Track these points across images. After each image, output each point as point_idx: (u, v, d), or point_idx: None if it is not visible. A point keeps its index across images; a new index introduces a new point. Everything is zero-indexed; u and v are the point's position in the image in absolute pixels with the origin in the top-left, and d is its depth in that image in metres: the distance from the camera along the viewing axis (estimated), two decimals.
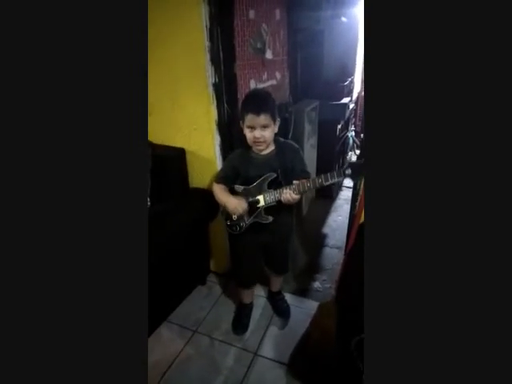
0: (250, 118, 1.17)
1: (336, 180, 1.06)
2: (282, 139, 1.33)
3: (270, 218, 1.27)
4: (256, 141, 1.21)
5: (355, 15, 2.88)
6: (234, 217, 1.33)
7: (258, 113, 1.15)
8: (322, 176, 1.08)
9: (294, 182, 1.14)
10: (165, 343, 1.54)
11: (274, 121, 1.21)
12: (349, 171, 1.03)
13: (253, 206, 1.27)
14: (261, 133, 1.19)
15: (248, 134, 1.21)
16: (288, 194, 1.13)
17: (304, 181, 1.12)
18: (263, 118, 1.16)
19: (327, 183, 1.08)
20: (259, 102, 1.19)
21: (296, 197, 1.13)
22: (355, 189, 1.58)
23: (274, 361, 1.45)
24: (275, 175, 1.23)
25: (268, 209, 1.27)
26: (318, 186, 1.10)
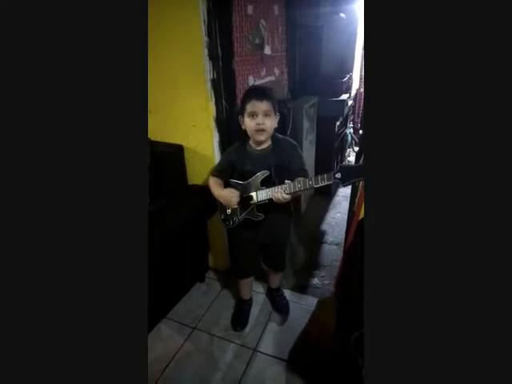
0: (252, 105, 1.18)
1: (326, 183, 1.06)
2: (280, 136, 1.32)
3: (262, 216, 1.27)
4: (258, 128, 1.20)
5: (354, 11, 2.87)
6: (228, 211, 1.34)
7: (260, 98, 1.17)
8: (313, 178, 1.08)
9: (286, 181, 1.14)
10: (164, 340, 1.54)
11: (275, 112, 1.22)
12: (338, 175, 1.03)
13: (246, 202, 1.27)
14: (263, 119, 1.18)
15: (249, 123, 1.21)
16: (279, 194, 1.14)
17: (295, 181, 1.12)
18: (265, 104, 1.17)
19: (317, 186, 1.08)
20: (263, 90, 1.23)
21: (287, 196, 1.13)
22: (354, 185, 1.58)
23: (273, 357, 1.45)
24: (268, 173, 1.23)
25: (262, 207, 1.26)
26: (308, 187, 1.10)
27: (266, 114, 1.19)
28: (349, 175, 1.03)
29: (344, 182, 1.04)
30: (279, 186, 1.15)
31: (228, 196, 1.27)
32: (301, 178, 1.13)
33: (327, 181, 1.06)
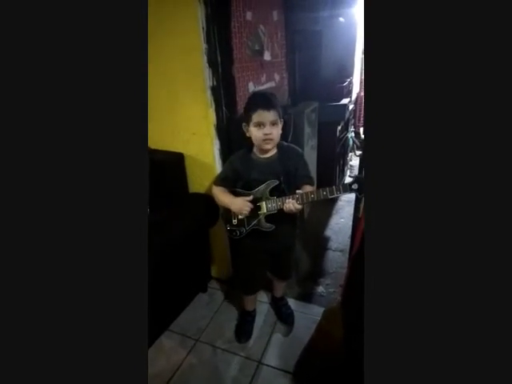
0: (259, 115, 1.14)
1: (341, 194, 1.05)
2: (285, 143, 1.30)
3: (272, 227, 1.24)
4: (266, 138, 1.17)
5: (353, 15, 2.86)
6: (234, 221, 1.30)
7: (268, 108, 1.14)
8: (328, 189, 1.05)
9: (298, 191, 1.11)
10: (167, 353, 1.51)
11: (280, 120, 1.20)
12: (355, 186, 1.01)
13: (254, 211, 1.23)
14: (270, 129, 1.16)
15: (255, 132, 1.17)
16: (291, 204, 1.11)
17: (308, 192, 1.10)
18: (273, 114, 1.15)
19: (332, 196, 1.06)
20: (268, 98, 1.18)
21: (299, 207, 1.11)
22: None
23: (278, 369, 1.41)
24: (278, 182, 1.20)
25: (270, 217, 1.23)
26: (322, 198, 1.07)
27: (273, 124, 1.16)
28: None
29: (362, 193, 1.01)
30: (290, 196, 1.12)
31: (241, 204, 1.22)
32: (313, 188, 1.12)
33: (343, 191, 1.04)
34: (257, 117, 1.15)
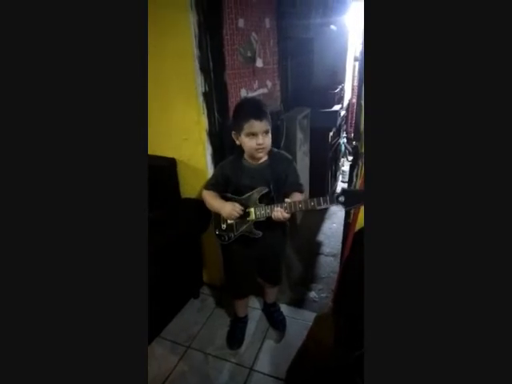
0: (251, 125, 1.13)
1: (328, 206, 1.06)
2: (275, 149, 1.30)
3: (260, 234, 1.24)
4: (259, 147, 1.17)
5: (344, 23, 2.91)
6: (223, 226, 1.30)
7: (260, 118, 1.13)
8: (315, 200, 1.07)
9: (286, 200, 1.12)
10: (157, 360, 1.49)
11: (271, 127, 1.20)
12: (342, 198, 1.02)
13: (243, 217, 1.23)
14: (263, 139, 1.16)
15: (248, 142, 1.17)
16: (279, 213, 1.11)
17: (296, 201, 1.11)
18: (265, 124, 1.15)
19: (319, 207, 1.07)
20: (260, 107, 1.17)
21: (286, 216, 1.11)
22: None
23: (270, 376, 1.40)
24: (267, 189, 1.20)
25: (259, 224, 1.23)
26: (309, 208, 1.09)
27: (266, 132, 1.17)
28: (352, 199, 1.02)
29: (347, 206, 1.03)
30: (279, 205, 1.13)
31: (231, 209, 1.21)
32: (302, 199, 1.12)
33: (330, 203, 1.05)
34: (249, 127, 1.14)
